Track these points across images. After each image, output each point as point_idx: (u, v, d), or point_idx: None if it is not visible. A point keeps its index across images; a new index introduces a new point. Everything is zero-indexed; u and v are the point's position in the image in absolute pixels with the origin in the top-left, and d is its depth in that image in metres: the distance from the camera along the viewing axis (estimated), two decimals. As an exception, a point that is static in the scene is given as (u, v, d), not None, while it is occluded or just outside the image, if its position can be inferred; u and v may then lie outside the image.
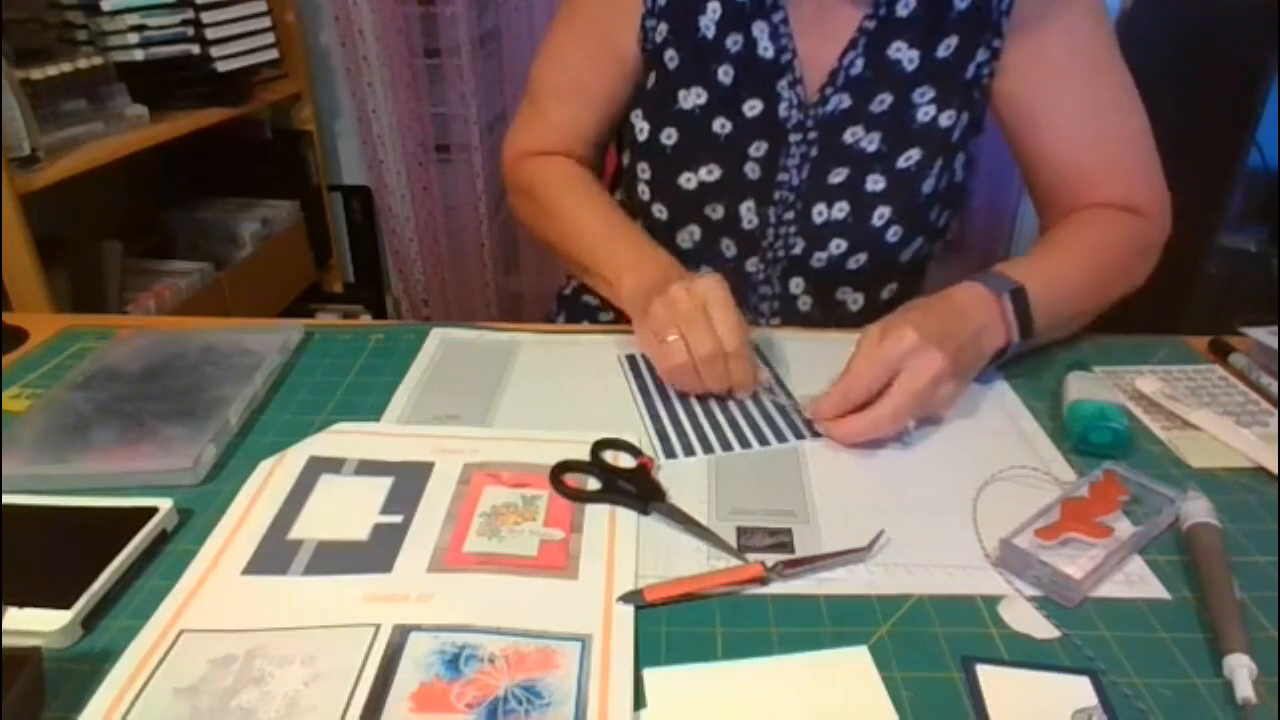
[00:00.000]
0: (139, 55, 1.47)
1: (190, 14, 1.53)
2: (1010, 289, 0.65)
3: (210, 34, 1.57)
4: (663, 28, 0.78)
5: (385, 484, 0.57)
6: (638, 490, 0.56)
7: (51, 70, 1.32)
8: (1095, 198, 0.77)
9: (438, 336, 0.77)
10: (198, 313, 1.54)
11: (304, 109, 1.95)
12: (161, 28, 1.49)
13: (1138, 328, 0.80)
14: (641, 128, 0.82)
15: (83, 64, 1.38)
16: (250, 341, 0.72)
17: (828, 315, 0.86)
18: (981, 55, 0.76)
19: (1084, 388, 0.64)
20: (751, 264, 0.84)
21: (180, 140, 1.51)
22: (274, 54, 1.75)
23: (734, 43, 0.77)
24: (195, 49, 1.55)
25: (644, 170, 0.84)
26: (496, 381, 0.70)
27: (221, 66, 1.60)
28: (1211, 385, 0.70)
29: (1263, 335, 0.72)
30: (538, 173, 0.85)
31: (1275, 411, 0.66)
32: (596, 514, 0.55)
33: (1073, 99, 0.76)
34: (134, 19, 1.45)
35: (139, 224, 1.75)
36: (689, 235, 0.85)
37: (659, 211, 0.85)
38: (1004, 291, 0.65)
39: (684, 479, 0.58)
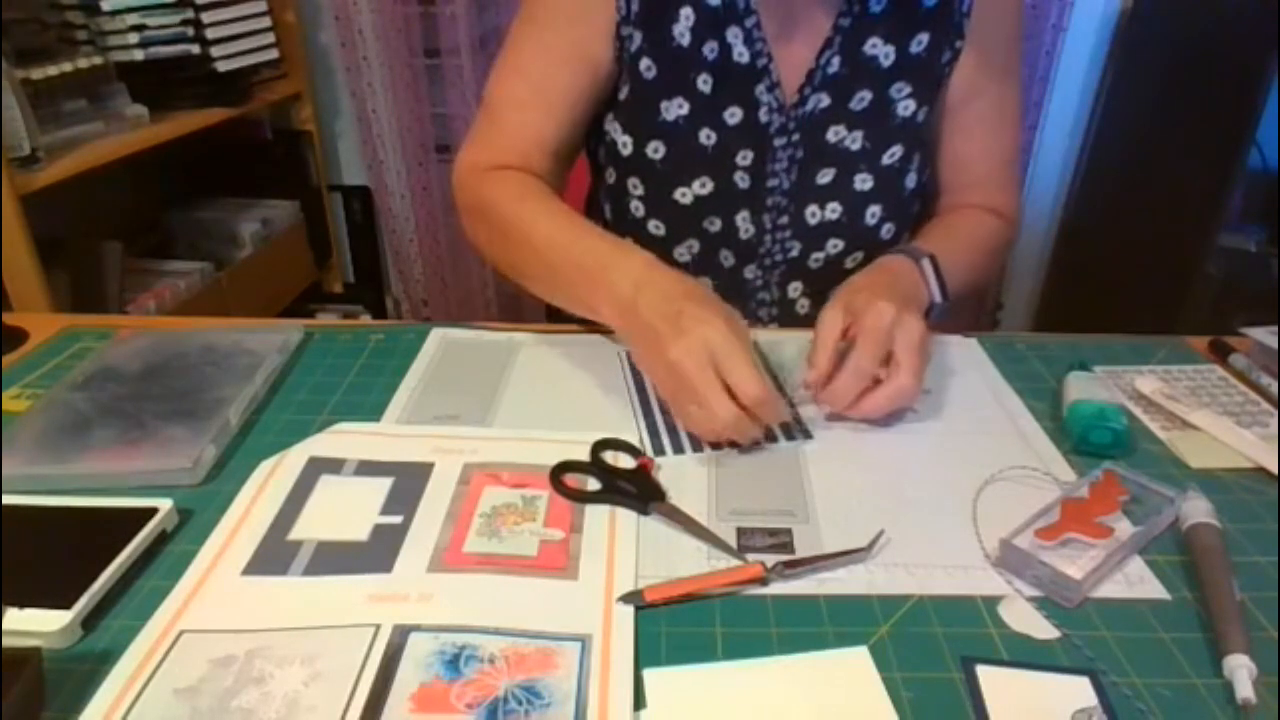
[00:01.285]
0: (139, 55, 1.47)
1: (190, 14, 1.53)
2: (926, 256, 0.73)
3: (210, 34, 1.57)
4: (637, 36, 0.77)
5: (385, 484, 0.57)
6: (638, 490, 0.56)
7: (51, 70, 1.32)
8: (976, 200, 0.86)
9: (438, 336, 0.77)
10: (198, 313, 1.53)
11: (304, 109, 1.95)
12: (161, 28, 1.49)
13: (1138, 328, 0.80)
14: (624, 141, 0.81)
15: (83, 64, 1.39)
16: (250, 341, 0.72)
17: None
18: (946, 55, 0.79)
19: (1084, 388, 0.64)
20: (750, 271, 0.84)
21: (180, 140, 1.51)
22: (274, 54, 1.75)
23: (710, 50, 0.76)
24: (195, 49, 1.55)
25: (635, 186, 0.83)
26: (496, 381, 0.70)
27: (221, 66, 1.60)
28: (1211, 385, 0.70)
29: (1263, 335, 0.72)
30: (490, 188, 0.77)
31: (1275, 411, 0.66)
32: (596, 514, 0.55)
33: (987, 112, 0.83)
34: (134, 19, 1.45)
35: (139, 224, 1.75)
36: (688, 249, 0.84)
37: (655, 227, 0.84)
38: (922, 259, 0.73)
39: (684, 479, 0.58)
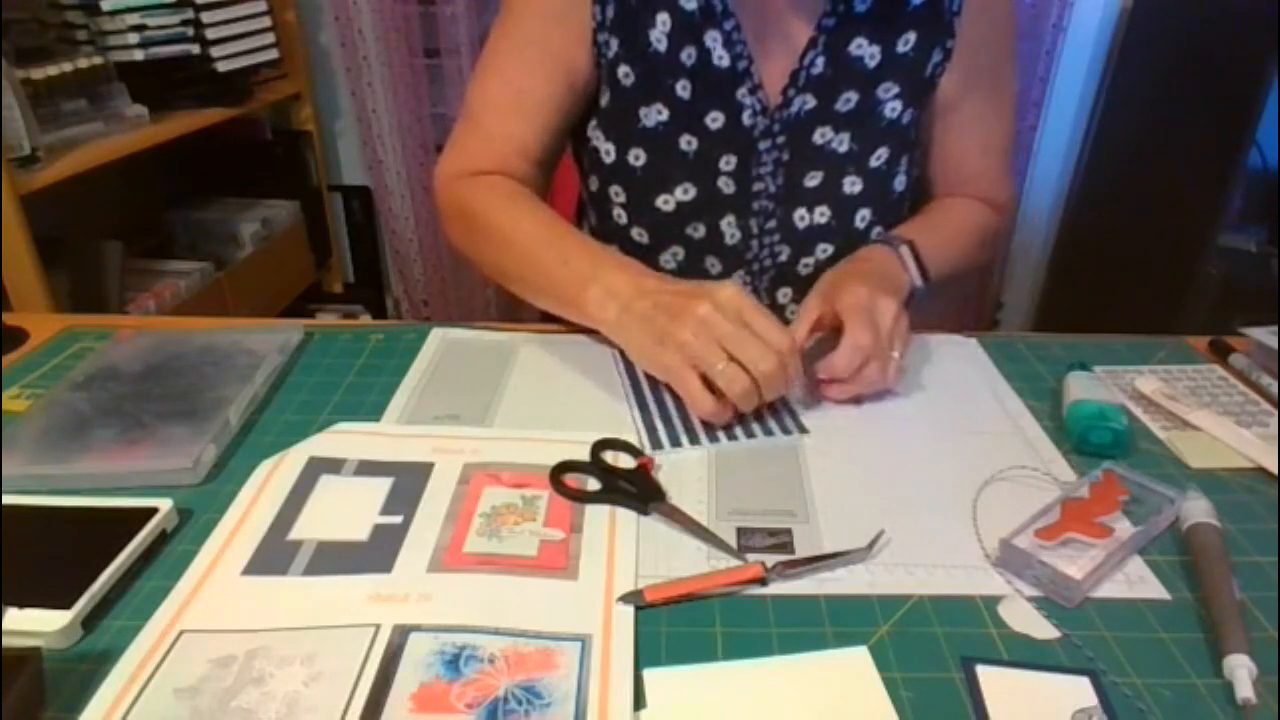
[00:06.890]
0: (139, 55, 1.47)
1: (190, 14, 1.53)
2: (905, 242, 0.76)
3: (210, 34, 1.57)
4: (614, 42, 0.76)
5: (385, 484, 0.57)
6: (638, 490, 0.56)
7: (51, 70, 1.32)
8: (969, 192, 0.87)
9: (438, 336, 0.77)
10: (198, 313, 1.54)
11: (304, 109, 1.95)
12: (161, 28, 1.49)
13: (1138, 328, 0.80)
14: (606, 149, 0.81)
15: (83, 64, 1.39)
16: (250, 341, 0.72)
17: None
18: (937, 55, 0.78)
19: (1084, 388, 0.64)
20: (737, 278, 0.84)
21: (180, 140, 1.51)
22: (274, 54, 1.75)
23: (688, 55, 0.75)
24: (195, 49, 1.55)
25: (617, 194, 0.83)
26: (496, 381, 0.70)
27: (221, 66, 1.61)
28: (1211, 385, 0.70)
29: (1263, 335, 0.72)
30: (472, 191, 0.78)
31: (1275, 411, 0.66)
32: (596, 514, 0.55)
33: (981, 107, 0.83)
34: (134, 19, 1.45)
35: (139, 224, 1.75)
36: (672, 256, 0.84)
37: (639, 235, 0.84)
38: (900, 245, 0.76)
39: (684, 478, 0.58)
